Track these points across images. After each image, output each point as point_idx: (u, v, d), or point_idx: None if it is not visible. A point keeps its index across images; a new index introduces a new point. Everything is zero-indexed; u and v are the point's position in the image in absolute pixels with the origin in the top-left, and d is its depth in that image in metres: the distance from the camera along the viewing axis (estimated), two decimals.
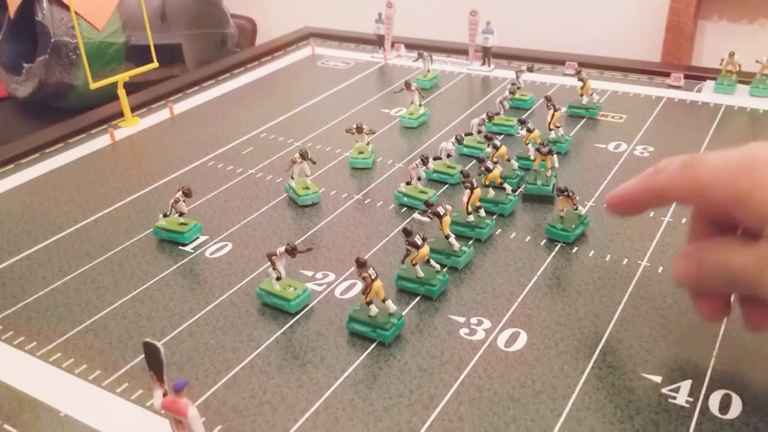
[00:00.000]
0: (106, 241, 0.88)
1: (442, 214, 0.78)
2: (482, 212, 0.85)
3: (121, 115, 1.22)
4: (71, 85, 1.51)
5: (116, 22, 1.52)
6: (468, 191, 0.83)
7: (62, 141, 1.16)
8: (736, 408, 0.60)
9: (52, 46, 1.45)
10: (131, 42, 1.54)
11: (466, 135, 1.02)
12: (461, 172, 0.87)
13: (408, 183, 0.92)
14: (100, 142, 1.16)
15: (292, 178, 0.94)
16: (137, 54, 1.53)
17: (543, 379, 0.64)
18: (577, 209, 0.83)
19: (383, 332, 0.68)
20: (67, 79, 1.50)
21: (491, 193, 0.89)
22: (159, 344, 0.52)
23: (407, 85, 1.14)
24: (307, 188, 0.93)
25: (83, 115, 1.24)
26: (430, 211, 0.78)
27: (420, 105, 1.15)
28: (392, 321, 0.69)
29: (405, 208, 0.91)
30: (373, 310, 0.69)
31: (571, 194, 0.82)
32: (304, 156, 0.93)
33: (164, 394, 0.53)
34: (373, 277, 0.68)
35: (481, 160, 0.89)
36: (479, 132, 1.04)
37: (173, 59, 1.61)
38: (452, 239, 0.79)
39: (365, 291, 0.69)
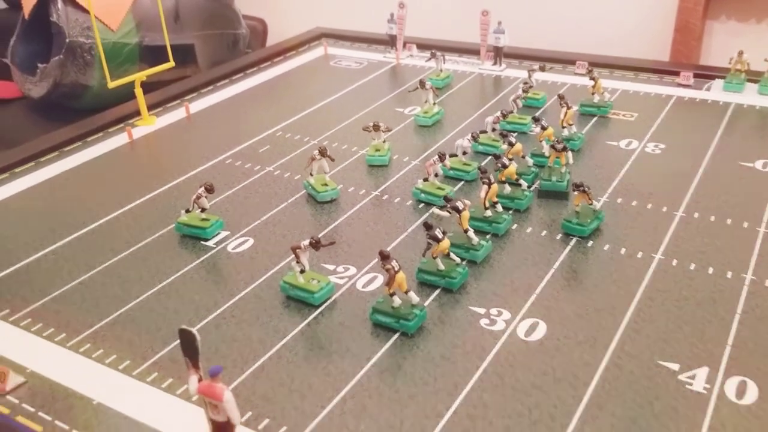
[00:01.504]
0: (129, 236, 0.90)
1: (461, 208, 0.80)
2: (499, 207, 0.87)
3: (137, 114, 1.24)
4: (86, 86, 1.53)
5: (130, 23, 1.54)
6: (485, 187, 0.85)
7: (80, 140, 1.18)
8: (752, 394, 0.61)
9: (67, 46, 1.47)
10: (145, 42, 1.55)
11: (481, 133, 1.04)
12: (479, 168, 0.89)
13: (425, 179, 0.94)
14: (117, 140, 1.18)
15: (311, 174, 0.96)
16: (151, 54, 1.55)
17: (563, 367, 0.65)
18: (592, 204, 0.85)
19: (406, 323, 0.70)
20: (81, 79, 1.51)
21: (507, 189, 0.90)
22: (194, 331, 0.54)
23: (421, 83, 1.16)
24: (326, 185, 0.95)
25: (100, 114, 1.25)
26: (449, 205, 0.80)
27: (434, 104, 1.17)
28: (415, 312, 0.71)
29: (422, 204, 0.93)
30: (396, 301, 0.71)
31: (586, 189, 0.84)
32: (322, 153, 0.94)
33: (199, 380, 0.55)
34: (396, 269, 0.70)
35: (497, 157, 0.91)
36: (494, 130, 1.06)
37: (186, 60, 1.63)
38: (471, 233, 0.80)
39: (388, 283, 0.70)
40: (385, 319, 0.71)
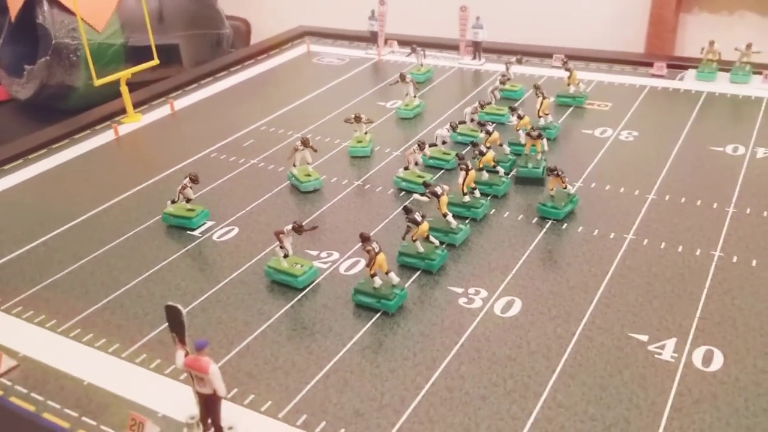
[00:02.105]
0: (117, 228, 0.92)
1: (440, 193, 0.82)
2: (477, 193, 0.89)
3: (123, 111, 1.26)
4: (72, 87, 1.54)
5: (115, 24, 1.55)
6: (463, 173, 0.88)
7: (68, 137, 1.20)
8: (718, 361, 0.64)
9: (53, 48, 1.48)
10: (130, 43, 1.57)
11: (460, 123, 1.06)
12: (457, 155, 0.92)
13: (406, 168, 0.97)
14: (104, 137, 1.20)
15: (295, 165, 0.98)
16: (136, 55, 1.56)
17: (537, 341, 0.68)
18: (566, 188, 0.88)
19: (387, 302, 0.72)
20: (68, 80, 1.53)
21: (485, 175, 0.93)
22: (180, 307, 0.56)
23: (402, 77, 1.19)
24: (309, 175, 0.97)
25: (87, 113, 1.27)
26: (428, 191, 0.83)
27: (415, 97, 1.20)
28: (395, 292, 0.73)
29: (403, 192, 0.95)
30: (377, 282, 0.73)
31: (560, 173, 0.86)
32: (305, 143, 0.97)
33: (185, 355, 0.57)
34: (376, 250, 0.73)
35: (475, 145, 0.93)
36: (472, 120, 1.08)
37: (170, 60, 1.65)
38: (450, 217, 0.83)
39: (369, 263, 0.73)
40: (367, 300, 0.74)
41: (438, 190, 0.82)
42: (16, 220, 0.95)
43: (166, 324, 0.72)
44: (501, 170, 0.94)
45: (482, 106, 1.10)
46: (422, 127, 1.15)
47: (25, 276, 0.83)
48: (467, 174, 0.87)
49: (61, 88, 1.55)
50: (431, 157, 1.01)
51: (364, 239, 0.73)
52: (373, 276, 0.74)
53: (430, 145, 1.01)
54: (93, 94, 1.51)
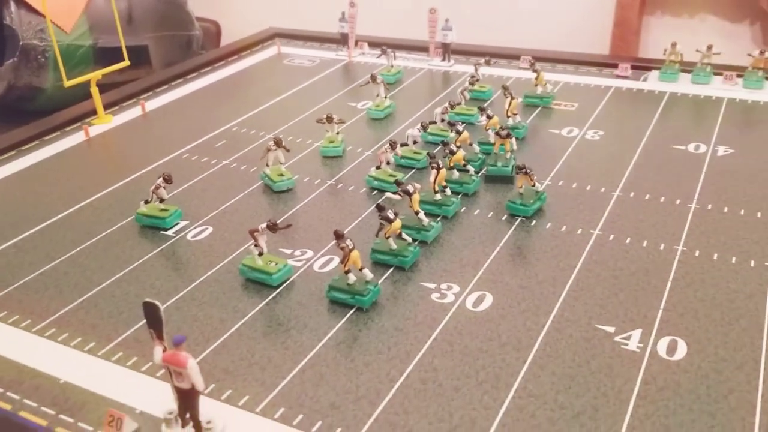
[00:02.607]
0: (89, 228, 0.92)
1: (411, 191, 0.84)
2: (448, 191, 0.91)
3: (93, 113, 1.26)
4: (40, 88, 1.53)
5: (84, 25, 1.55)
6: (435, 172, 0.89)
7: (37, 139, 1.19)
8: (681, 351, 0.66)
9: (21, 49, 1.47)
10: (99, 45, 1.57)
11: (431, 123, 1.08)
12: (428, 154, 0.93)
13: (378, 167, 0.98)
14: (74, 139, 1.19)
15: (267, 165, 0.99)
16: (105, 56, 1.56)
17: (508, 333, 0.70)
18: (534, 186, 0.90)
19: (361, 298, 0.74)
20: (35, 82, 1.52)
21: (456, 174, 0.95)
22: (157, 303, 0.57)
23: (372, 78, 1.20)
24: (282, 175, 0.98)
25: (57, 114, 1.27)
26: (401, 189, 0.84)
27: (385, 97, 1.21)
28: (369, 287, 0.74)
29: (375, 192, 0.97)
30: (351, 278, 0.75)
31: (528, 171, 0.88)
32: (278, 144, 0.98)
33: (164, 351, 0.58)
34: (350, 247, 0.74)
35: (445, 144, 0.95)
36: (443, 120, 1.10)
37: (140, 61, 1.64)
38: (422, 215, 0.85)
39: (344, 260, 0.74)
40: (341, 296, 0.75)
41: (410, 188, 0.84)
42: None
43: (142, 322, 0.72)
44: (471, 169, 0.95)
45: (452, 107, 1.12)
46: (393, 127, 1.16)
47: None
48: (438, 173, 0.89)
49: (29, 90, 1.54)
50: (402, 157, 1.02)
51: (338, 236, 0.74)
52: (347, 272, 0.75)
53: (402, 145, 1.03)
54: (61, 96, 1.51)
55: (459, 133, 0.98)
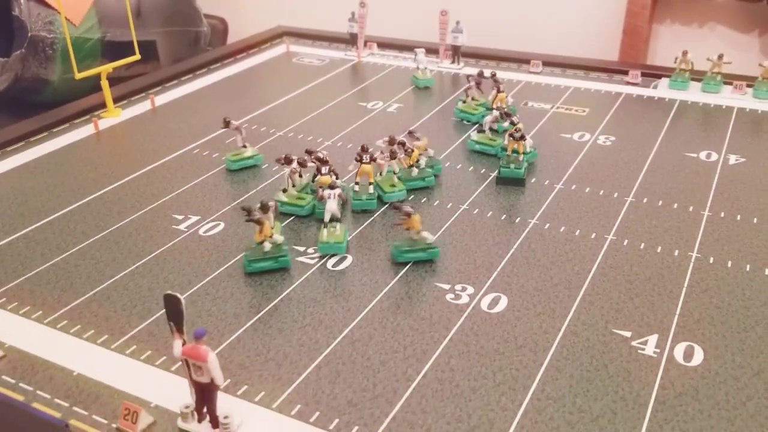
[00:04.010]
0: (100, 221, 0.92)
1: (411, 213, 0.81)
2: (422, 162, 0.96)
3: (102, 106, 1.25)
4: (47, 80, 1.53)
5: (92, 18, 1.54)
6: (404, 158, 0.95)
7: (46, 130, 1.19)
8: (698, 357, 0.66)
9: (29, 40, 1.47)
10: (107, 38, 1.56)
11: (479, 132, 1.07)
12: (361, 147, 0.94)
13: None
14: (83, 131, 1.19)
15: (285, 191, 0.94)
16: (113, 50, 1.56)
17: (524, 336, 0.69)
18: (523, 152, 0.97)
19: (284, 259, 0.80)
20: (43, 74, 1.51)
21: (415, 171, 0.96)
22: (179, 296, 0.57)
23: (226, 123, 1.07)
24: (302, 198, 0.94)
25: (65, 106, 1.26)
26: (402, 212, 0.81)
27: (245, 146, 1.06)
28: (285, 249, 0.81)
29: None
30: (267, 246, 0.80)
31: (516, 136, 0.95)
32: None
33: (183, 344, 0.58)
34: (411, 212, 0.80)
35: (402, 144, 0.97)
36: (491, 129, 1.07)
37: (147, 56, 1.64)
38: (425, 233, 0.82)
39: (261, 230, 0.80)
40: (263, 264, 0.80)
41: (410, 209, 0.82)
42: None
43: (155, 316, 0.73)
44: (422, 162, 0.98)
45: (502, 117, 1.07)
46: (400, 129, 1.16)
47: (8, 268, 0.83)
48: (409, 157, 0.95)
49: (36, 82, 1.53)
50: (477, 143, 1.06)
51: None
52: (260, 243, 0.80)
53: (479, 131, 1.06)
54: (67, 89, 1.50)
55: (514, 123, 1.00)
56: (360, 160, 0.92)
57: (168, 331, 0.59)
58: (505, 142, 1.00)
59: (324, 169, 0.91)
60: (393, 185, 0.94)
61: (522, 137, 0.97)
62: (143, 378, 0.66)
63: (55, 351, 0.69)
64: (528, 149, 0.99)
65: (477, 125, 1.12)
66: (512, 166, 0.97)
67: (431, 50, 1.48)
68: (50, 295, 0.78)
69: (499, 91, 1.12)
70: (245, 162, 1.04)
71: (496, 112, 1.09)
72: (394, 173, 0.96)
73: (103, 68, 1.22)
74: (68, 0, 1.51)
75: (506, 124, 1.01)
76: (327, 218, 0.84)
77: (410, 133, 1.01)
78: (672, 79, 1.29)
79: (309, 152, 0.94)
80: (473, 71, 1.35)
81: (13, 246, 0.87)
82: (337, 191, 0.86)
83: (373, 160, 0.93)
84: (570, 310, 0.73)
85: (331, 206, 0.84)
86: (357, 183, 0.93)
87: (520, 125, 0.99)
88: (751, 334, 0.69)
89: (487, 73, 1.22)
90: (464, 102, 1.19)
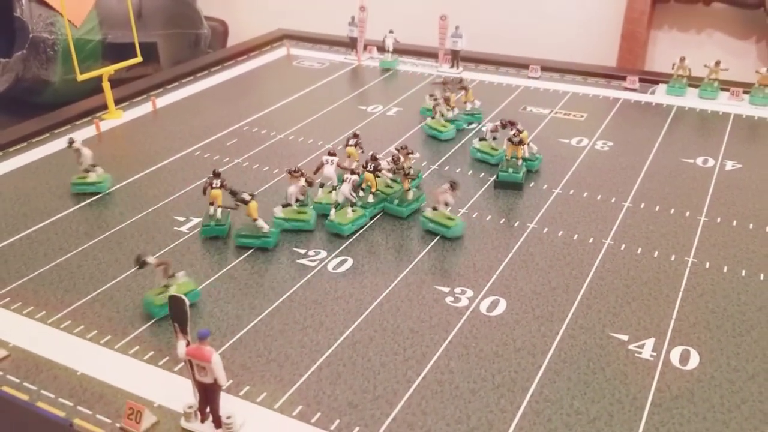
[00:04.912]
0: (103, 222, 0.92)
1: (248, 200, 0.85)
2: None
3: (104, 107, 1.26)
4: (47, 81, 1.53)
5: (93, 20, 1.55)
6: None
7: (48, 131, 1.19)
8: (694, 360, 0.67)
9: (30, 41, 1.47)
10: (108, 40, 1.57)
11: (481, 140, 1.07)
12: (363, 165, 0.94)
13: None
14: (85, 133, 1.19)
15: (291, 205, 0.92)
16: (113, 52, 1.56)
17: (523, 338, 0.70)
18: (521, 156, 0.99)
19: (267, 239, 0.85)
20: (44, 75, 1.52)
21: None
22: (184, 297, 0.57)
23: (70, 142, 1.02)
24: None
25: (67, 107, 1.27)
26: (235, 198, 0.86)
27: (91, 167, 1.01)
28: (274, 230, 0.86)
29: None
30: (261, 224, 0.85)
31: (515, 141, 0.97)
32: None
33: (187, 345, 0.58)
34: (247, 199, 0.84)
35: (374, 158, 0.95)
36: (494, 138, 1.07)
37: (148, 58, 1.64)
38: (260, 222, 0.86)
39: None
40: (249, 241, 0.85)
41: (246, 196, 0.85)
42: None
43: (158, 317, 0.73)
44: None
45: (503, 126, 1.05)
46: (404, 131, 1.17)
47: (11, 268, 0.83)
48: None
49: (37, 83, 1.54)
50: (479, 151, 1.05)
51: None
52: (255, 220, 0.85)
53: (480, 139, 1.06)
54: (67, 90, 1.51)
55: (520, 132, 1.00)
56: (364, 167, 0.93)
57: (171, 332, 0.59)
58: (504, 146, 1.01)
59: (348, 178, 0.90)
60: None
61: (520, 142, 0.98)
62: (146, 378, 0.67)
63: (59, 351, 0.70)
64: (527, 154, 1.00)
65: (482, 129, 1.11)
66: (510, 170, 0.98)
67: (431, 54, 1.49)
68: (53, 295, 0.78)
69: (465, 89, 1.19)
70: (87, 188, 0.99)
71: (497, 122, 1.06)
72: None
73: (104, 70, 1.22)
74: (70, 1, 1.52)
75: (512, 132, 1.00)
76: (340, 199, 0.88)
77: (512, 124, 1.02)
78: (669, 85, 1.30)
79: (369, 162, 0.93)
80: (474, 76, 1.36)
81: (16, 246, 0.88)
82: (353, 177, 0.88)
83: (377, 170, 0.93)
84: (568, 314, 0.74)
85: (344, 189, 0.87)
86: (362, 189, 0.93)
87: (524, 134, 1.00)
88: (746, 338, 0.70)
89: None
90: (433, 118, 1.17)
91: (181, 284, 0.76)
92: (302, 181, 0.90)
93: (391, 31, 1.49)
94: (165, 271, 0.75)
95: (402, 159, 0.93)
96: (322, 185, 0.95)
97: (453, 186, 0.87)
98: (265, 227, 0.86)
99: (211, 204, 0.90)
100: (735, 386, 0.64)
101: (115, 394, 0.65)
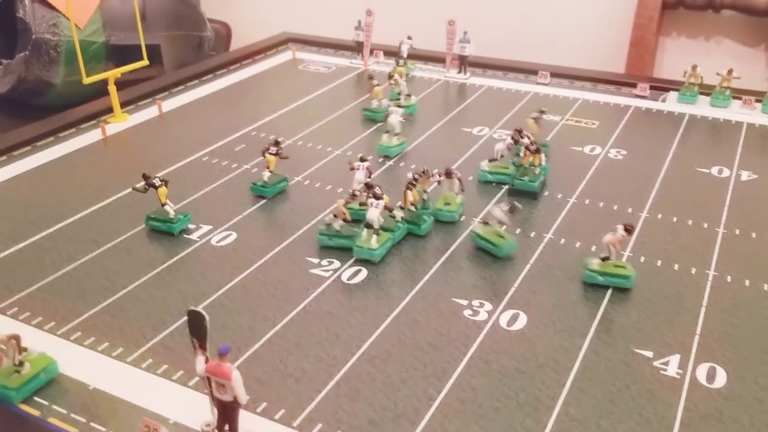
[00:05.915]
0: (111, 229, 0.91)
1: (158, 185, 0.89)
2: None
3: (109, 111, 1.24)
4: (50, 83, 1.51)
5: (97, 21, 1.53)
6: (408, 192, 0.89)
7: (52, 135, 1.17)
8: (721, 378, 0.66)
9: (33, 43, 1.45)
10: (111, 42, 1.55)
11: (491, 161, 1.02)
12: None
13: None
14: (90, 137, 1.17)
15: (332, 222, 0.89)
16: (117, 54, 1.55)
17: (545, 354, 0.69)
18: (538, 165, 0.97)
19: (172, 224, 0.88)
20: (46, 76, 1.50)
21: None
22: (203, 312, 0.56)
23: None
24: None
25: (71, 110, 1.25)
26: (146, 183, 0.89)
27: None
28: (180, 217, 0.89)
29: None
30: (169, 210, 0.88)
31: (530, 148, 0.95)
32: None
33: (206, 361, 0.57)
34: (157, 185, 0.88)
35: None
36: (502, 156, 1.03)
37: (152, 60, 1.62)
38: (167, 207, 0.89)
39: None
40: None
41: (156, 182, 0.89)
42: (3, 218, 0.93)
43: (171, 328, 0.72)
44: (397, 215, 0.89)
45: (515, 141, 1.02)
46: (411, 139, 1.16)
47: (18, 276, 0.82)
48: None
49: (39, 84, 1.52)
50: (490, 172, 1.01)
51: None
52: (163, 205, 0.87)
53: (490, 160, 1.01)
54: (70, 92, 1.49)
55: (531, 141, 0.98)
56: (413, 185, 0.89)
57: (184, 344, 0.58)
58: (521, 155, 0.99)
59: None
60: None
61: (537, 150, 0.97)
62: (161, 393, 0.65)
63: (70, 363, 0.68)
64: (544, 162, 0.99)
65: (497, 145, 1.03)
66: (526, 178, 0.97)
67: (438, 59, 1.47)
68: (62, 305, 0.77)
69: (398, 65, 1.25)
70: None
71: (508, 140, 1.02)
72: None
73: (110, 73, 1.21)
74: (74, 3, 1.50)
75: (525, 140, 0.99)
76: (367, 222, 0.84)
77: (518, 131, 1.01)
78: (681, 93, 1.29)
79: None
80: (482, 82, 1.35)
81: (23, 254, 0.86)
82: (382, 203, 0.84)
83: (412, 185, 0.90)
84: (590, 329, 0.72)
85: (371, 215, 0.83)
86: (401, 208, 0.89)
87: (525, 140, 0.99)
88: None
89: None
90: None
91: (36, 359, 0.66)
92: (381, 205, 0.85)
93: (409, 38, 1.45)
94: (18, 345, 0.64)
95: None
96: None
97: (512, 209, 0.84)
98: (172, 213, 0.89)
99: (267, 168, 0.97)
100: (764, 405, 0.63)
101: (129, 410, 0.63)
